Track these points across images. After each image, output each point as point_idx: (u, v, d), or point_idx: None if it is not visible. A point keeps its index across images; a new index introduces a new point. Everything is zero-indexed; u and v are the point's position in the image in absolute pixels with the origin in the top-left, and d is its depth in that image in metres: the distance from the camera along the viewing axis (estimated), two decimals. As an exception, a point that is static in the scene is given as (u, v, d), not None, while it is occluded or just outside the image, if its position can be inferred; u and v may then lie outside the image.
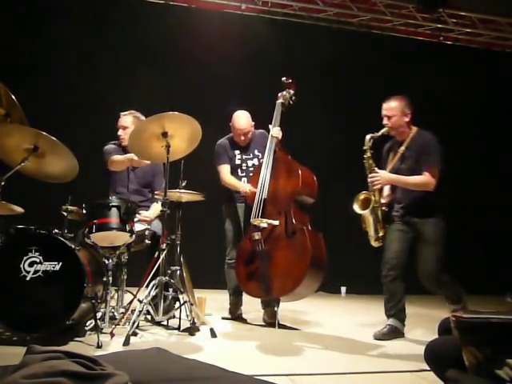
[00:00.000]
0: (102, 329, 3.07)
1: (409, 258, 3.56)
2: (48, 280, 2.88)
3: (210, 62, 6.24)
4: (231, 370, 2.37)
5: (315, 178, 3.85)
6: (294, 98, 4.09)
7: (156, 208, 3.91)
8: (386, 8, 7.03)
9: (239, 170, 4.08)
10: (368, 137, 3.61)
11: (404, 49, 7.02)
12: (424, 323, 3.99)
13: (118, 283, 3.61)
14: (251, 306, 4.13)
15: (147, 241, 3.66)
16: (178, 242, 3.58)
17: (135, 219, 3.54)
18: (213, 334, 3.25)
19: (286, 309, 4.27)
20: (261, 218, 3.68)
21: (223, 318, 4.08)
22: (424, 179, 3.46)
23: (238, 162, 4.09)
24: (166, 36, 6.24)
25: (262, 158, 3.93)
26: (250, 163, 4.09)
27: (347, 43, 6.73)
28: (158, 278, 3.33)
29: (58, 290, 2.89)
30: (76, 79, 5.83)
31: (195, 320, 3.37)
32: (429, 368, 1.90)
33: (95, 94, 5.84)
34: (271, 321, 3.81)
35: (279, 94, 4.09)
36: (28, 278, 2.87)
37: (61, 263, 2.91)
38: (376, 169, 3.57)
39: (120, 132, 4.04)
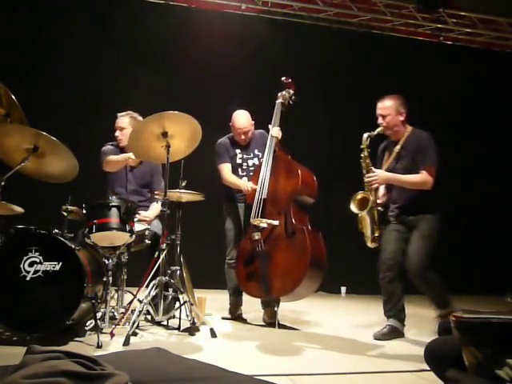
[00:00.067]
0: (102, 329, 3.07)
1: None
2: (48, 280, 2.88)
3: (210, 61, 6.24)
4: (231, 370, 2.37)
5: (315, 178, 3.85)
6: (293, 97, 4.09)
7: (155, 208, 3.91)
8: (386, 8, 7.03)
9: (240, 170, 4.08)
10: (365, 135, 3.61)
11: (404, 49, 7.01)
12: (424, 323, 3.98)
13: (118, 283, 3.61)
14: (251, 305, 4.13)
15: (147, 241, 3.66)
16: (178, 242, 3.58)
17: (135, 219, 3.54)
18: (213, 334, 3.25)
19: (286, 309, 4.27)
20: (260, 218, 3.68)
21: (223, 318, 4.08)
22: (422, 178, 3.45)
23: (239, 161, 4.09)
24: (166, 36, 6.24)
25: (262, 157, 3.93)
26: (250, 163, 4.09)
27: (347, 43, 6.73)
28: (158, 278, 3.33)
29: (57, 290, 2.89)
30: (76, 79, 5.84)
31: (195, 320, 3.37)
32: (429, 368, 1.90)
33: (95, 94, 5.84)
34: (271, 321, 3.81)
35: (279, 94, 4.10)
36: (28, 278, 2.87)
37: (61, 263, 2.91)
38: (373, 168, 3.57)
39: (117, 133, 4.04)
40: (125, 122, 4.03)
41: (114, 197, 3.51)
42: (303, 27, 6.93)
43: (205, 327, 3.39)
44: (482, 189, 6.65)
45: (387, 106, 3.59)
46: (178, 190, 3.52)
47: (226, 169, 4.05)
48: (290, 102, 4.09)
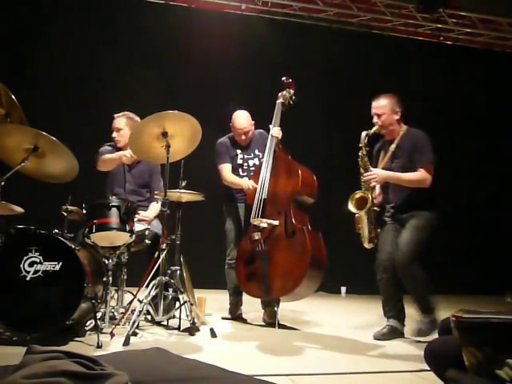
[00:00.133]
0: (102, 329, 3.07)
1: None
2: (48, 280, 2.88)
3: (210, 61, 6.24)
4: (231, 370, 2.37)
5: (315, 178, 3.85)
6: (294, 97, 4.10)
7: (155, 208, 3.91)
8: (386, 8, 7.03)
9: (241, 170, 4.08)
10: (363, 134, 3.60)
11: (404, 49, 7.01)
12: (424, 323, 3.98)
13: (118, 283, 3.61)
14: (251, 305, 4.13)
15: (147, 241, 3.66)
16: (178, 242, 3.58)
17: (135, 219, 3.54)
18: (213, 334, 3.25)
19: (286, 309, 4.27)
20: (261, 218, 3.68)
21: (223, 318, 4.08)
22: (420, 175, 3.44)
23: (239, 161, 4.09)
24: (166, 36, 6.24)
25: (263, 157, 3.93)
26: (251, 163, 4.09)
27: (347, 43, 6.73)
28: (158, 278, 3.33)
29: (57, 290, 2.89)
30: (76, 79, 5.83)
31: (195, 320, 3.37)
32: (429, 368, 1.90)
33: (95, 94, 5.84)
34: (271, 321, 3.81)
35: (279, 94, 4.10)
36: (28, 278, 2.87)
37: (61, 263, 2.91)
38: (371, 167, 3.57)
39: (114, 134, 4.04)
40: (121, 122, 4.02)
41: (113, 197, 3.51)
42: (303, 27, 6.93)
43: (205, 327, 3.39)
44: (482, 189, 6.66)
45: (382, 105, 3.58)
46: (178, 190, 3.51)
47: (226, 169, 4.05)
48: (291, 101, 4.09)
